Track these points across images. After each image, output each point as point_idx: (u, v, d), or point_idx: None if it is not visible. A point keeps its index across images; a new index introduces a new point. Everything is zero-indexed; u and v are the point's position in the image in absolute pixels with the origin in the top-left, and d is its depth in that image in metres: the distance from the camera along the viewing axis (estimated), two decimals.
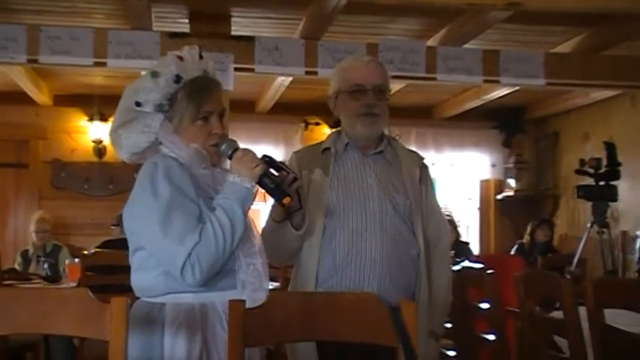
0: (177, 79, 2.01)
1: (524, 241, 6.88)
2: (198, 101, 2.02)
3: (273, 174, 2.05)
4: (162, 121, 2.02)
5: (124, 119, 2.05)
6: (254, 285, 1.98)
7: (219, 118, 2.06)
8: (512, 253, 6.80)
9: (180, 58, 2.03)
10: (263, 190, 2.03)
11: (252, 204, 1.99)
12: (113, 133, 2.07)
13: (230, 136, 2.10)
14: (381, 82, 2.43)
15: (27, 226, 6.64)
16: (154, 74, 2.02)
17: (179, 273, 1.89)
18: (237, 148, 2.03)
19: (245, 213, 1.97)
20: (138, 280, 2.01)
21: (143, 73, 2.13)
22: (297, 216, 2.26)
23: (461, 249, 6.35)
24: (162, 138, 2.03)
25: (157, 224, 1.89)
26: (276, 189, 2.03)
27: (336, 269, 2.34)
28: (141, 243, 1.99)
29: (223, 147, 2.04)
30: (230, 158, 2.03)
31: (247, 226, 1.99)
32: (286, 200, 2.04)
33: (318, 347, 2.25)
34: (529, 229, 6.87)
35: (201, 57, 2.08)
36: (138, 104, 2.01)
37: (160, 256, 1.94)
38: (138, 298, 2.02)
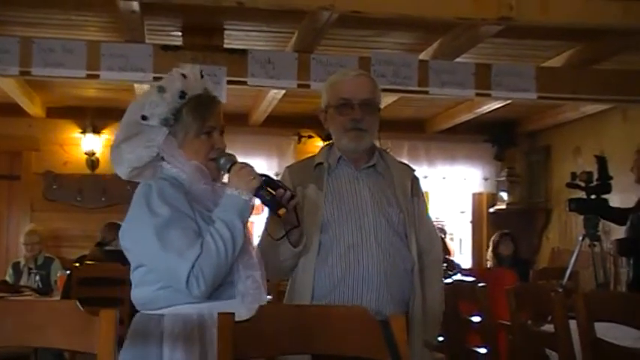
0: (182, 94, 2.08)
1: (488, 257, 6.85)
2: (202, 116, 2.10)
3: (269, 187, 2.10)
4: (166, 135, 2.08)
5: (127, 134, 2.10)
6: (253, 296, 2.03)
7: (220, 134, 2.14)
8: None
9: (184, 75, 2.11)
10: (259, 202, 2.10)
11: (250, 216, 2.05)
12: (115, 148, 2.12)
13: None
14: (368, 97, 2.43)
15: (19, 238, 6.62)
16: (161, 89, 2.09)
17: (184, 285, 1.94)
18: (235, 162, 2.10)
19: (244, 224, 2.03)
20: (138, 294, 2.07)
21: (145, 87, 2.16)
22: (295, 233, 2.27)
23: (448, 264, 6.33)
24: (165, 153, 2.09)
25: (156, 241, 1.96)
26: (271, 201, 2.09)
27: (333, 285, 2.34)
28: (141, 260, 2.05)
29: (222, 161, 2.11)
30: (228, 172, 2.09)
31: (245, 239, 2.05)
32: (281, 212, 2.10)
33: None
34: (491, 245, 6.85)
35: (202, 76, 2.16)
36: (144, 118, 2.07)
37: (161, 271, 2.00)
38: (137, 311, 2.08)
